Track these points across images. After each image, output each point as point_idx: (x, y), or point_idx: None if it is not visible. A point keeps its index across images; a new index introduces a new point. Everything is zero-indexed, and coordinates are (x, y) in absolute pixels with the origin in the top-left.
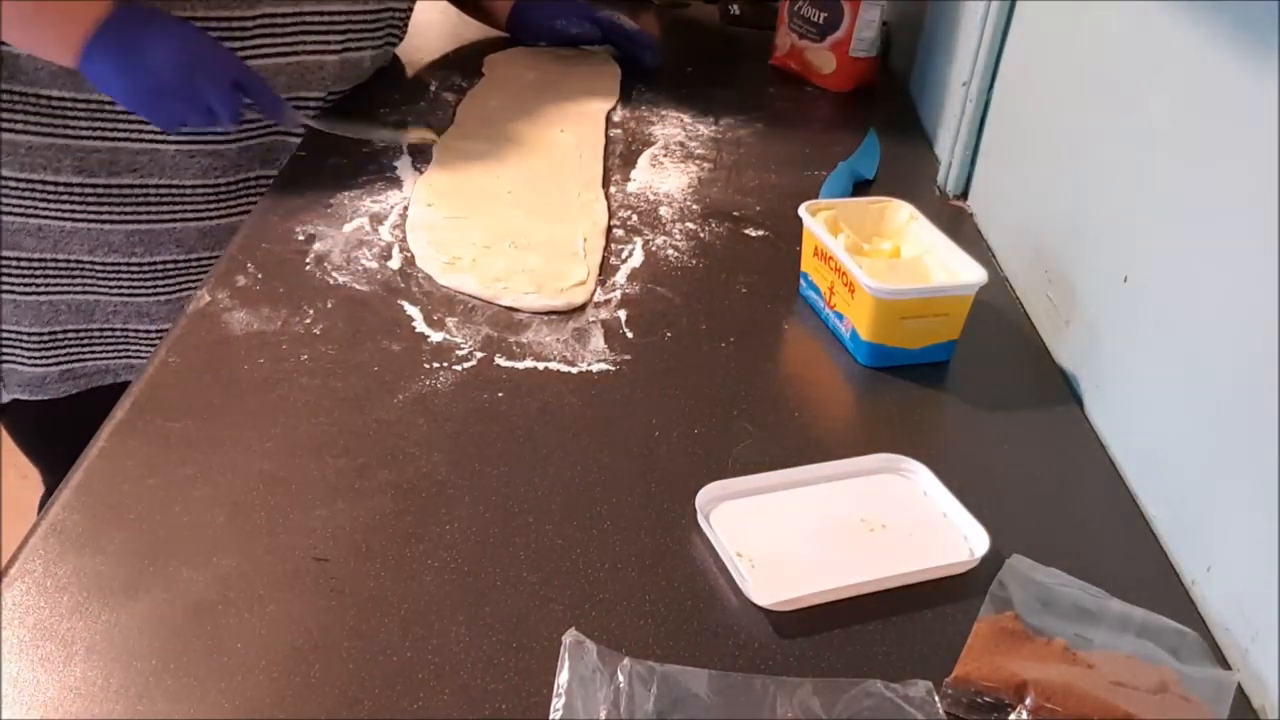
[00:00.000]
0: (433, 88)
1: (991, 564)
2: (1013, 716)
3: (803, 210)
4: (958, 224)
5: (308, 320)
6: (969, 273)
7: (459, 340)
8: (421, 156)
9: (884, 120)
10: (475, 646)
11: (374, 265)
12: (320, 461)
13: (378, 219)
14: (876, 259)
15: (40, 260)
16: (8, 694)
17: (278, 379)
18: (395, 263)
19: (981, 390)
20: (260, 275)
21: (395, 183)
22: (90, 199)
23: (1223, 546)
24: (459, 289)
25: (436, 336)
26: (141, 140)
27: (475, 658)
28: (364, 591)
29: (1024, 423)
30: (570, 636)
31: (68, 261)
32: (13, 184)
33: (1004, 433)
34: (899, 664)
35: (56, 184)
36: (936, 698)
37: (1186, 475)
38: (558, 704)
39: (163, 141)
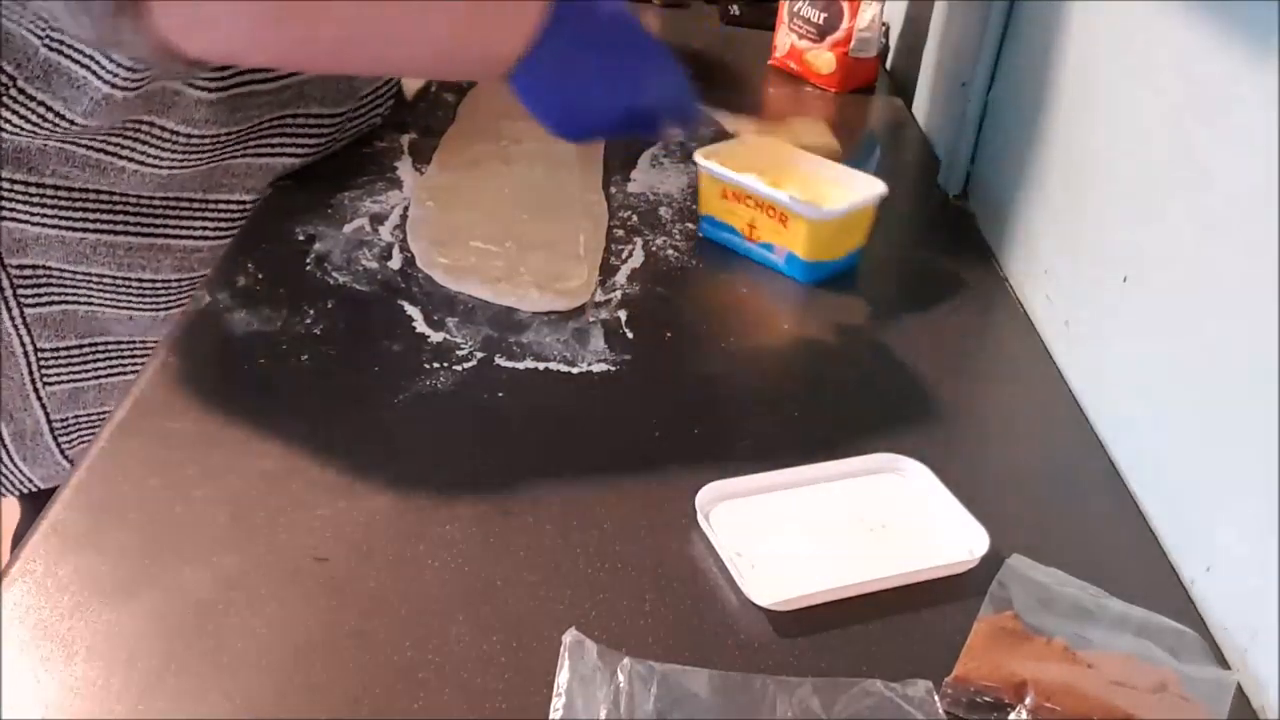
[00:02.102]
0: (433, 88)
1: (991, 564)
2: (1012, 716)
3: (699, 158)
4: (958, 224)
5: (308, 320)
6: (871, 185)
7: (459, 340)
8: (421, 156)
9: (884, 120)
10: (475, 646)
11: (374, 265)
12: (320, 461)
13: (378, 219)
14: (788, 188)
15: (129, 342)
16: (8, 694)
17: (278, 379)
18: (395, 263)
19: (981, 390)
20: (260, 275)
21: (395, 183)
22: (185, 289)
23: (1223, 546)
24: (459, 289)
25: (436, 336)
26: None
27: (475, 658)
28: (364, 591)
29: (1024, 423)
30: (570, 636)
31: (156, 342)
32: (110, 280)
33: (1004, 433)
34: (899, 664)
35: (154, 280)
36: (936, 697)
37: (1186, 475)
38: (558, 704)
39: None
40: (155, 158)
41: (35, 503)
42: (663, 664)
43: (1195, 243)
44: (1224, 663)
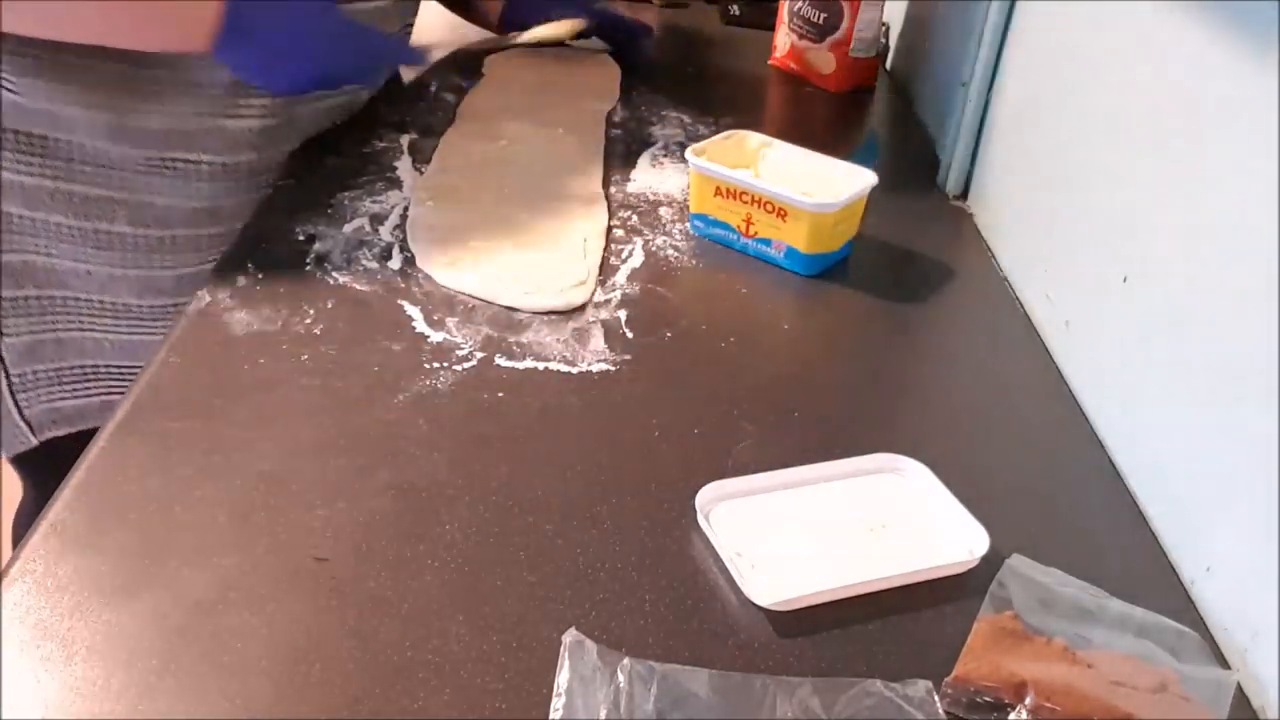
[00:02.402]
0: (433, 88)
1: (991, 564)
2: (1012, 716)
3: (691, 156)
4: (958, 224)
5: (308, 320)
6: (858, 174)
7: (459, 340)
8: (421, 156)
9: (884, 120)
10: (475, 646)
11: (374, 265)
12: (320, 461)
13: (378, 219)
14: (773, 182)
15: (86, 300)
16: (8, 694)
17: (278, 379)
18: (395, 263)
19: (982, 390)
20: (260, 275)
21: (395, 183)
22: (142, 248)
23: (1223, 546)
24: (459, 289)
25: (436, 336)
26: (200, 197)
27: (475, 658)
28: (364, 591)
29: (1024, 423)
30: (570, 636)
31: (114, 304)
32: (67, 229)
33: (1004, 433)
34: (899, 664)
35: (109, 233)
36: (936, 697)
37: (1186, 475)
38: (558, 704)
39: (223, 196)
40: (103, 104)
41: (40, 489)
42: (663, 664)
43: (1195, 243)
44: (1224, 663)
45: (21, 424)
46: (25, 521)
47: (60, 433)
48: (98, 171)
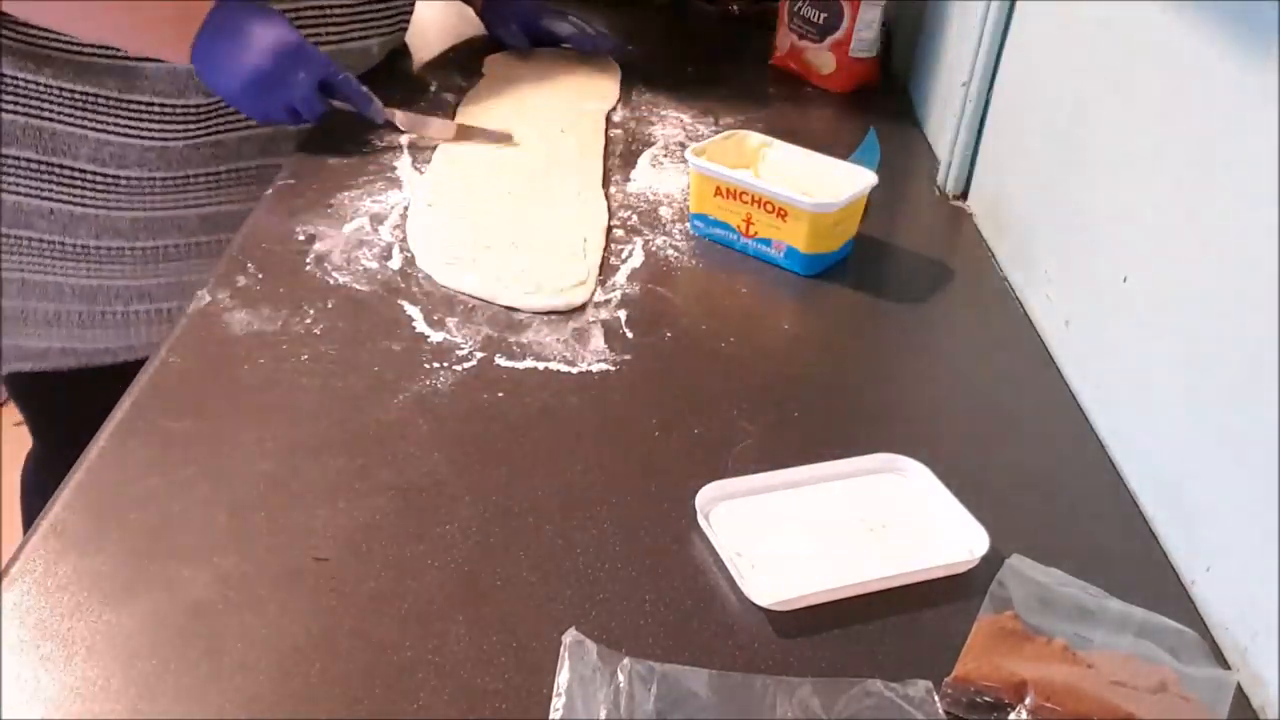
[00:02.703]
0: (433, 88)
1: (991, 564)
2: (1012, 716)
3: (691, 156)
4: (957, 224)
5: (308, 320)
6: (859, 174)
7: (459, 340)
8: (422, 157)
9: (884, 120)
10: (475, 646)
11: (374, 265)
12: (320, 461)
13: (378, 219)
14: (773, 183)
15: (49, 242)
16: (8, 694)
17: (278, 379)
18: (395, 263)
19: (981, 390)
20: (260, 275)
21: (395, 183)
22: (100, 186)
23: (1223, 546)
24: (459, 289)
25: (436, 336)
26: (151, 138)
27: (475, 658)
28: (364, 591)
29: (1024, 423)
30: (570, 636)
31: (74, 246)
32: (35, 165)
33: (1004, 433)
34: (899, 664)
35: (72, 169)
36: (936, 697)
37: (1186, 475)
38: (558, 704)
39: (171, 138)
40: (67, 43)
41: (42, 430)
42: (663, 664)
43: (1195, 243)
44: (1224, 663)
45: None
46: (34, 468)
47: (25, 367)
48: (62, 110)
